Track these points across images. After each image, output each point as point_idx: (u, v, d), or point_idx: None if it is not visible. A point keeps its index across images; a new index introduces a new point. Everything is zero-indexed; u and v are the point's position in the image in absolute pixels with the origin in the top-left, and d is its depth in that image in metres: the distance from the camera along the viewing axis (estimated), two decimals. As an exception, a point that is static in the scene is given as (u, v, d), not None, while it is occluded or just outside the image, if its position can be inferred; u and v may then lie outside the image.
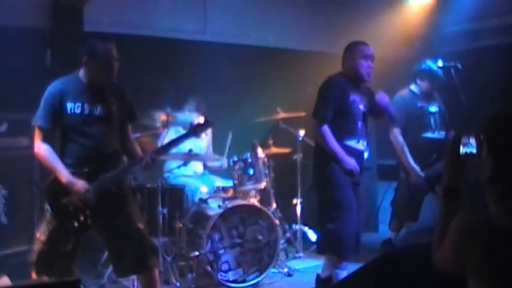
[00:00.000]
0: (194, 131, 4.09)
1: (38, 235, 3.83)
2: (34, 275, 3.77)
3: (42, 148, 3.77)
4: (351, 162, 4.68)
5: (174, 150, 5.82)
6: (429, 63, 5.75)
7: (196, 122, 4.25)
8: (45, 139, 3.78)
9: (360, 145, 4.83)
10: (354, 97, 4.78)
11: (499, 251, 1.99)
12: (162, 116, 5.49)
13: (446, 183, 2.35)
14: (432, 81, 5.77)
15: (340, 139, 4.71)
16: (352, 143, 4.77)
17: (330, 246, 4.76)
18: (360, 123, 4.82)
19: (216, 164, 6.27)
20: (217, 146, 6.44)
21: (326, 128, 4.67)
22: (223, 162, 6.02)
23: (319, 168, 4.83)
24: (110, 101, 3.89)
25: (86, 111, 3.80)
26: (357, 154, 4.80)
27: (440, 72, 5.68)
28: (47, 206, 3.78)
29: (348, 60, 4.85)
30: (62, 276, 3.60)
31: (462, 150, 2.28)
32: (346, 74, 4.85)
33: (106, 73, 3.84)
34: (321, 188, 4.86)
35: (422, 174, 5.63)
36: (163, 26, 6.88)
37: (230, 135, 6.02)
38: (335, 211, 4.68)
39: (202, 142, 6.28)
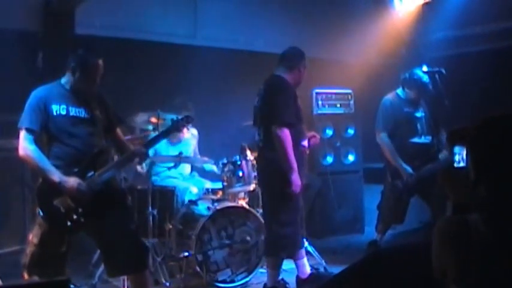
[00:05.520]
0: (175, 126, 4.21)
1: (30, 237, 3.87)
2: (26, 277, 3.80)
3: (30, 150, 3.79)
4: (299, 179, 4.67)
5: (164, 153, 5.97)
6: (419, 74, 5.76)
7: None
8: (33, 141, 3.81)
9: (307, 144, 4.97)
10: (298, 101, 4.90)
11: (476, 259, 1.98)
12: (152, 119, 5.55)
13: (453, 200, 2.38)
14: (420, 92, 5.82)
15: (298, 142, 4.76)
16: (305, 143, 4.90)
17: (287, 248, 4.85)
18: (303, 124, 4.95)
19: (208, 168, 6.32)
20: (209, 147, 6.51)
21: (288, 133, 4.64)
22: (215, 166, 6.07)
23: (282, 173, 4.69)
24: (92, 105, 3.98)
25: (71, 113, 3.89)
26: (307, 153, 4.97)
27: (429, 84, 5.72)
28: (38, 210, 3.82)
29: (302, 68, 4.93)
30: (54, 277, 3.65)
31: (455, 159, 2.32)
32: (292, 79, 4.89)
33: (90, 83, 3.94)
34: (282, 192, 4.73)
35: (412, 173, 5.69)
36: (154, 29, 6.94)
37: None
38: (293, 215, 4.79)
39: (190, 146, 6.36)
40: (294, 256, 4.91)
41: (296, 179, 4.64)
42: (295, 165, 4.63)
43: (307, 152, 5.01)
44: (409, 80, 5.84)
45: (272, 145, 4.70)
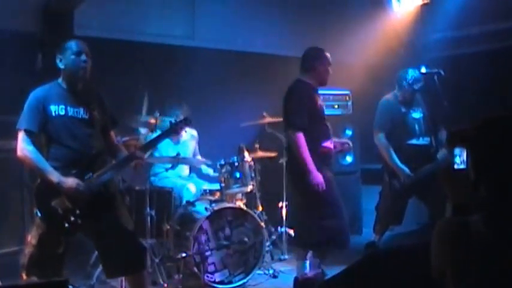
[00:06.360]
0: (173, 128, 4.22)
1: (29, 238, 3.87)
2: (24, 277, 3.82)
3: (28, 151, 3.79)
4: (319, 176, 4.75)
5: (162, 154, 5.98)
6: (403, 74, 5.77)
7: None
8: (31, 142, 3.81)
9: (332, 145, 5.02)
10: (320, 101, 5.00)
11: (476, 259, 1.99)
12: (149, 120, 5.56)
13: (453, 200, 2.39)
14: (404, 93, 5.80)
15: (318, 142, 4.84)
16: (327, 143, 4.94)
17: (332, 241, 4.90)
18: (328, 124, 5.03)
19: (204, 170, 6.33)
20: (204, 149, 6.53)
21: (302, 136, 4.76)
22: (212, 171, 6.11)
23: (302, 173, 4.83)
24: (91, 106, 3.98)
25: (70, 113, 3.88)
26: (331, 154, 5.03)
27: (412, 84, 5.71)
28: (36, 211, 3.82)
29: (320, 66, 4.99)
30: (52, 278, 3.65)
31: (456, 160, 2.32)
32: (313, 79, 5.00)
33: (80, 65, 3.91)
34: (305, 192, 4.87)
35: (410, 174, 5.68)
36: (152, 31, 6.96)
37: (146, 96, 5.97)
38: (331, 208, 4.88)
39: (189, 147, 6.37)
40: (339, 247, 4.95)
41: (315, 179, 4.72)
42: (311, 166, 4.72)
43: (332, 153, 5.08)
44: (396, 81, 5.86)
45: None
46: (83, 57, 3.92)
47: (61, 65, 3.94)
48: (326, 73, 5.02)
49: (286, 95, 5.00)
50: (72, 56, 3.91)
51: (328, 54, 5.05)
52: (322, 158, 4.90)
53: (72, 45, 3.94)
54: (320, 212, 4.87)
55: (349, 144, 5.37)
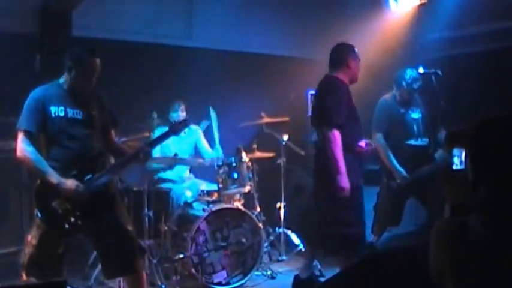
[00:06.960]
0: (173, 129, 4.22)
1: (29, 239, 3.86)
2: (24, 277, 3.82)
3: (28, 151, 3.80)
4: (347, 182, 4.57)
5: (160, 155, 5.97)
6: (401, 73, 5.75)
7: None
8: (31, 143, 3.81)
9: (365, 144, 4.88)
10: (353, 100, 4.86)
11: (476, 259, 2.00)
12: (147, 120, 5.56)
13: (451, 201, 2.39)
14: (402, 91, 5.77)
15: (354, 141, 4.73)
16: (362, 143, 4.84)
17: (349, 246, 4.76)
18: (360, 124, 4.90)
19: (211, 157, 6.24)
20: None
21: (338, 134, 4.60)
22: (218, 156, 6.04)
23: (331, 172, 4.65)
24: (90, 107, 3.98)
25: (69, 115, 3.88)
26: (363, 154, 4.88)
27: (411, 83, 5.69)
28: (36, 211, 3.82)
29: (352, 62, 4.86)
30: (52, 278, 3.65)
31: (454, 161, 2.32)
32: (345, 75, 4.85)
33: (87, 81, 3.93)
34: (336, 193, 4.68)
35: (406, 175, 5.66)
36: (150, 31, 6.95)
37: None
38: (354, 216, 4.75)
39: (191, 145, 6.35)
40: (354, 254, 4.73)
41: (343, 183, 4.55)
42: (343, 168, 4.55)
43: (366, 152, 4.95)
44: (394, 80, 5.85)
45: None
46: (95, 78, 3.95)
47: (69, 71, 3.91)
48: (357, 69, 4.89)
49: (321, 91, 4.83)
50: (87, 75, 3.91)
51: (356, 50, 4.92)
52: (358, 158, 4.79)
53: (93, 65, 3.91)
54: (342, 218, 4.71)
55: (371, 145, 5.20)
